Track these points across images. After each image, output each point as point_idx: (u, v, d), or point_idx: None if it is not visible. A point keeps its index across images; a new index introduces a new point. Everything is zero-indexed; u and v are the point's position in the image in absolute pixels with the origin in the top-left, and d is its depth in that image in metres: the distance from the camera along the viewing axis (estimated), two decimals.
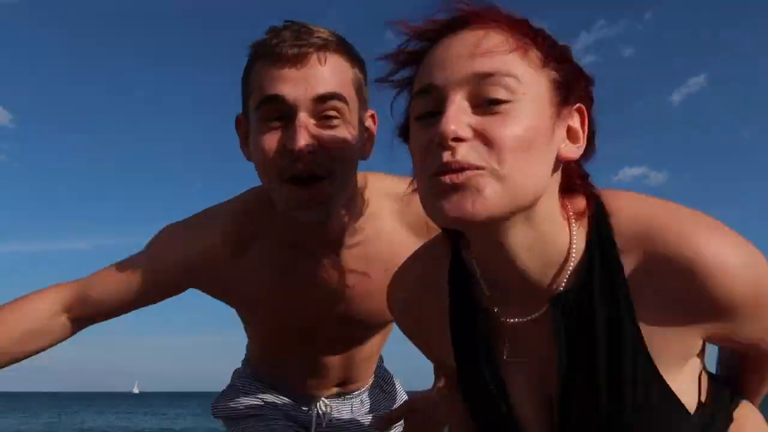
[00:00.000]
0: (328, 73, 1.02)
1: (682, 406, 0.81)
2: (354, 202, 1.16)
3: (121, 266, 1.23)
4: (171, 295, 1.25)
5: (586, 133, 0.81)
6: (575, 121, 0.80)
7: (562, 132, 0.79)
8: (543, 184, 0.76)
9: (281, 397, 1.42)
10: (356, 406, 1.46)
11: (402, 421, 1.40)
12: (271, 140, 1.02)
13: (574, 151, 0.80)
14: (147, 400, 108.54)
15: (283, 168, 1.01)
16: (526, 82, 0.73)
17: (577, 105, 0.80)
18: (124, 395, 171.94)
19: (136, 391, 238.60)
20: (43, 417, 48.82)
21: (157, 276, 1.19)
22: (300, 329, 1.27)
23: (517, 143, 0.71)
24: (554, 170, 0.79)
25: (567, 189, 0.83)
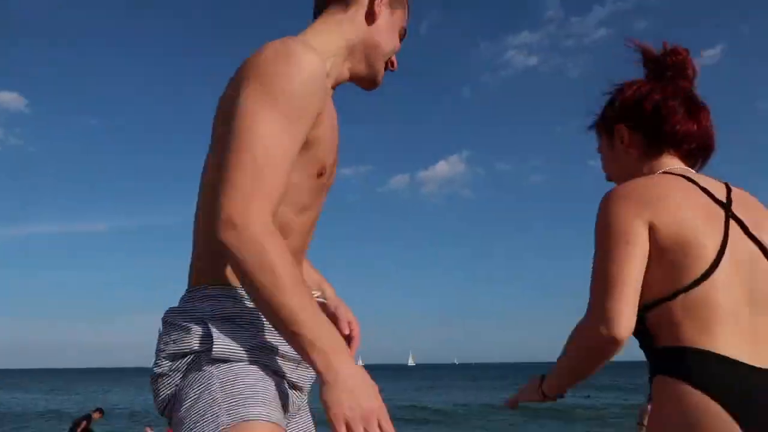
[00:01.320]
0: None
1: None
2: None
3: (266, 124, 1.01)
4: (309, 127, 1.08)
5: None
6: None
7: None
8: None
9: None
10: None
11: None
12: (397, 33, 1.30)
13: None
14: None
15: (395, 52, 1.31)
16: None
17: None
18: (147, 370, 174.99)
19: None
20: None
21: (305, 96, 1.05)
22: (323, 187, 1.21)
23: None
24: None
25: None
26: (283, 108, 1.03)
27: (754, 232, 1.22)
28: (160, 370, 1.09)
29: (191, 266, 1.17)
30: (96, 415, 11.33)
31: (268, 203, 1.00)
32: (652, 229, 1.19)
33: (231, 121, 1.04)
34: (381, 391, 1.03)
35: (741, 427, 1.07)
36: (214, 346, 1.04)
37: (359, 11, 1.26)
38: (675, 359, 1.17)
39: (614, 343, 1.16)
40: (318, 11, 1.28)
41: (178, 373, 1.09)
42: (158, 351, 1.10)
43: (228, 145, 1.02)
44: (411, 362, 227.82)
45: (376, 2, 1.25)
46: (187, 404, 1.04)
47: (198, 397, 1.03)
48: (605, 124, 1.45)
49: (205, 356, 1.06)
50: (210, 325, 1.06)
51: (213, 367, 1.05)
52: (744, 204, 1.27)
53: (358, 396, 0.96)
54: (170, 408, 1.11)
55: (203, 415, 1.01)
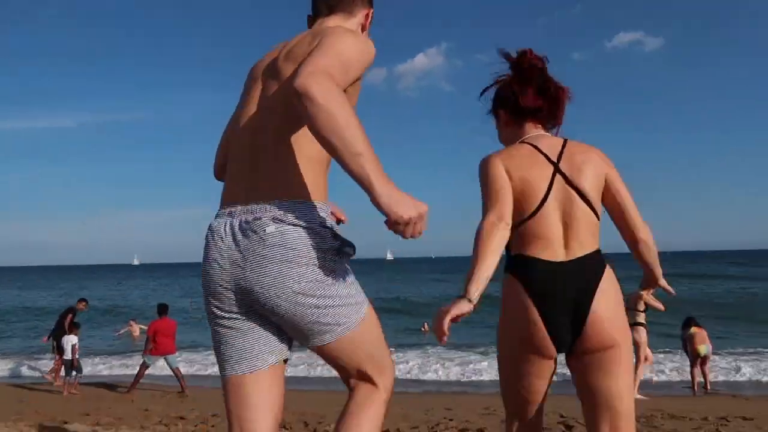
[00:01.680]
0: None
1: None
2: None
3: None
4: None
5: None
6: None
7: None
8: None
9: None
10: None
11: None
12: None
13: None
14: (148, 270, 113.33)
15: None
16: None
17: None
18: (126, 267, 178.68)
19: (136, 262, 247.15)
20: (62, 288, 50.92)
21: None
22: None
23: None
24: None
25: None
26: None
27: (573, 180, 1.95)
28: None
29: (274, 179, 1.56)
30: (81, 306, 11.55)
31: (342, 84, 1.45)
32: (509, 175, 1.97)
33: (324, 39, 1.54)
34: (362, 286, 1.71)
35: (528, 295, 1.89)
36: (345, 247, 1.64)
37: (358, 21, 1.79)
38: (511, 261, 2.00)
39: (482, 227, 1.89)
40: (324, 11, 1.76)
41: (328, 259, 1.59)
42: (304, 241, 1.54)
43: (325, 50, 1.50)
44: (389, 257, 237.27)
45: (368, 18, 1.82)
46: (335, 280, 1.61)
47: (345, 279, 1.64)
48: (493, 110, 2.20)
49: (339, 251, 1.62)
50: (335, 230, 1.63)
51: (345, 261, 1.67)
52: (571, 157, 1.98)
53: (414, 201, 1.42)
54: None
55: (355, 295, 1.67)
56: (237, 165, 1.65)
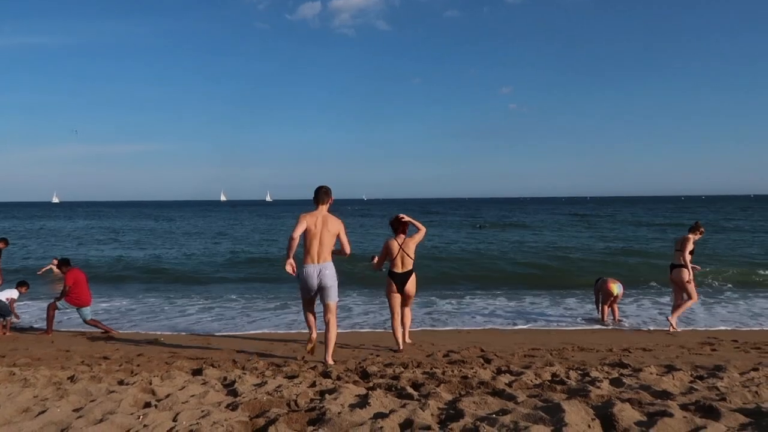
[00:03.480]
0: None
1: None
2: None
3: None
4: None
5: None
6: None
7: None
8: None
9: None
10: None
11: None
12: None
13: None
14: (69, 208, 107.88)
15: None
16: None
17: None
18: (45, 204, 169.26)
19: (55, 200, 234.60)
20: None
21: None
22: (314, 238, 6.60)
23: None
24: None
25: None
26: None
27: (403, 247, 7.62)
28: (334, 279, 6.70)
29: (327, 253, 6.61)
30: (0, 245, 11.28)
31: None
32: (390, 247, 7.71)
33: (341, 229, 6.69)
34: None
35: (393, 280, 7.69)
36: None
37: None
38: (389, 272, 7.72)
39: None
40: (324, 201, 6.73)
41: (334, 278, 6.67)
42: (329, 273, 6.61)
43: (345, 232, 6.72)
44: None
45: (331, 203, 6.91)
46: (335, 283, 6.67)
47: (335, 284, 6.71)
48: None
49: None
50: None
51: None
52: (326, 216, 6.62)
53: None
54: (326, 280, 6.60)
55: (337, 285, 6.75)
56: (314, 246, 6.53)
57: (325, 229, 6.45)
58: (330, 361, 6.58)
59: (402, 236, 7.63)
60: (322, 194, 6.58)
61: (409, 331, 8.32)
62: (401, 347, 7.67)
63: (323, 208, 6.57)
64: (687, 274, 9.40)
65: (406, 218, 7.62)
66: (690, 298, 9.50)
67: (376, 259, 8.02)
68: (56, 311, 9.69)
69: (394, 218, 7.72)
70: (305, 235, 6.44)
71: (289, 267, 6.16)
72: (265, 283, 15.76)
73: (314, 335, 7.06)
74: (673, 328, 9.50)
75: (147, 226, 47.92)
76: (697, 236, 9.59)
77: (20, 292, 10.49)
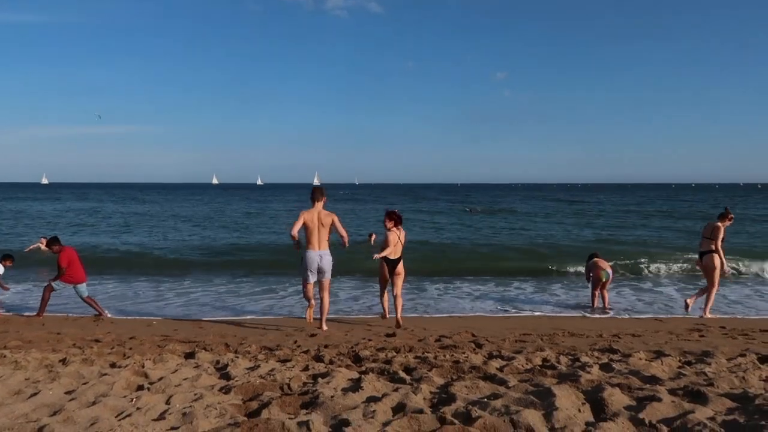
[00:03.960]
0: None
1: None
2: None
3: None
4: None
5: None
6: None
7: None
8: None
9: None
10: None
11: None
12: None
13: None
14: (57, 189, 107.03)
15: None
16: None
17: None
18: (34, 186, 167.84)
19: (44, 182, 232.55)
20: None
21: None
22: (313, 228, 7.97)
23: None
24: None
25: None
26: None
27: (319, 217, 7.86)
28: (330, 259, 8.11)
29: (324, 242, 8.00)
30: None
31: None
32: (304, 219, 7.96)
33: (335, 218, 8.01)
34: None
35: (386, 263, 8.57)
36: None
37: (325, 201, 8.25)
38: (383, 258, 8.56)
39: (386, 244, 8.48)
40: (318, 199, 8.01)
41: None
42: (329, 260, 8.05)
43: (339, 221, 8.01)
44: (316, 181, 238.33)
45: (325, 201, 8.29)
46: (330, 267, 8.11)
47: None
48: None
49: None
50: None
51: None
52: (321, 211, 7.93)
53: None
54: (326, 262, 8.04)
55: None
56: (314, 236, 7.90)
57: (321, 223, 7.83)
58: (324, 328, 8.08)
59: (399, 228, 8.57)
60: (317, 194, 7.96)
61: (402, 317, 8.59)
62: (386, 315, 8.88)
63: (318, 205, 7.88)
64: (718, 261, 9.52)
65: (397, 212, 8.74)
66: (711, 285, 9.66)
67: (374, 237, 9.06)
68: (52, 293, 9.66)
69: (391, 212, 8.60)
70: (305, 227, 7.84)
71: (296, 248, 8.09)
72: (255, 268, 15.75)
73: (313, 303, 8.64)
74: (703, 311, 9.75)
75: (138, 210, 47.62)
76: (727, 223, 9.72)
77: (5, 266, 10.40)
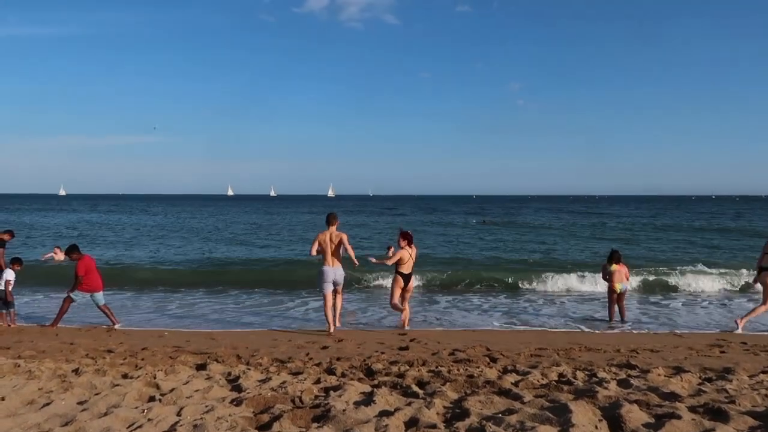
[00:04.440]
0: None
1: None
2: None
3: None
4: None
5: None
6: None
7: None
8: None
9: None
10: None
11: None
12: None
13: None
14: (65, 202, 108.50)
15: None
16: None
17: None
18: (51, 197, 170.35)
19: (62, 193, 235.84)
20: None
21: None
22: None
23: None
24: None
25: None
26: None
27: (331, 238, 9.08)
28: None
29: (338, 259, 9.22)
30: (6, 236, 11.14)
31: None
32: (402, 258, 9.50)
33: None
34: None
35: (400, 276, 9.58)
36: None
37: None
38: (396, 272, 9.71)
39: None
40: (333, 223, 9.21)
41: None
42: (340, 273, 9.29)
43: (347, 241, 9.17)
44: (330, 193, 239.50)
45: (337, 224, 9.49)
46: (343, 279, 9.45)
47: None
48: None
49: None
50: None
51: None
52: (333, 232, 9.16)
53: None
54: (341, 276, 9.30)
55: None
56: (328, 254, 9.07)
57: (333, 243, 9.16)
58: (338, 324, 9.54)
59: (411, 246, 9.70)
60: (331, 219, 9.31)
61: (417, 332, 8.92)
62: (404, 316, 9.91)
63: (332, 228, 9.22)
64: None
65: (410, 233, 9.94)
66: (765, 302, 9.49)
67: (392, 250, 9.97)
68: (71, 303, 9.74)
69: (405, 232, 9.84)
70: (321, 247, 9.19)
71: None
72: (267, 282, 15.79)
73: (332, 329, 9.20)
74: (740, 323, 9.63)
75: (152, 221, 48.09)
76: None
77: (15, 271, 10.49)
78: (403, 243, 9.64)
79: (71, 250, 9.99)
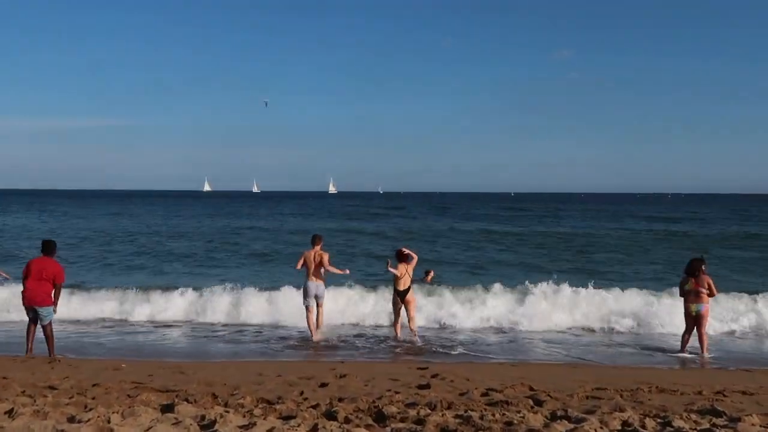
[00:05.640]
0: None
1: None
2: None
3: None
4: None
5: None
6: None
7: None
8: None
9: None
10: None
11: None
12: None
13: None
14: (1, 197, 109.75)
15: None
16: None
17: None
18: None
19: None
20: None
21: None
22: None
23: None
24: None
25: None
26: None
27: (314, 257, 11.95)
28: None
29: (319, 276, 12.10)
30: None
31: None
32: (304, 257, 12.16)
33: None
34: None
35: (395, 293, 12.08)
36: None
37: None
38: (394, 289, 12.36)
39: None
40: (317, 244, 12.13)
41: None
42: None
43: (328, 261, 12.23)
44: (331, 190, 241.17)
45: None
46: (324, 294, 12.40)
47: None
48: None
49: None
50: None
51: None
52: (317, 251, 12.03)
53: None
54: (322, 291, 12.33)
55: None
56: (311, 271, 11.93)
57: (315, 262, 11.79)
58: (318, 337, 11.95)
59: (404, 264, 11.92)
60: (316, 239, 12.06)
61: (441, 365, 8.69)
62: (398, 337, 12.08)
63: (317, 248, 11.90)
64: None
65: (407, 250, 12.28)
66: None
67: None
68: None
69: (398, 251, 12.24)
70: (305, 264, 11.86)
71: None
72: (245, 303, 15.83)
73: (314, 336, 11.95)
74: None
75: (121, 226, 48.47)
76: None
77: None
78: (403, 266, 11.93)
79: (44, 248, 9.98)
